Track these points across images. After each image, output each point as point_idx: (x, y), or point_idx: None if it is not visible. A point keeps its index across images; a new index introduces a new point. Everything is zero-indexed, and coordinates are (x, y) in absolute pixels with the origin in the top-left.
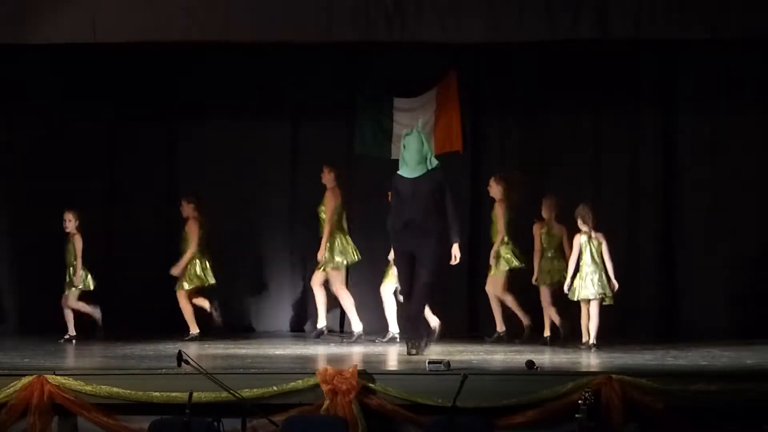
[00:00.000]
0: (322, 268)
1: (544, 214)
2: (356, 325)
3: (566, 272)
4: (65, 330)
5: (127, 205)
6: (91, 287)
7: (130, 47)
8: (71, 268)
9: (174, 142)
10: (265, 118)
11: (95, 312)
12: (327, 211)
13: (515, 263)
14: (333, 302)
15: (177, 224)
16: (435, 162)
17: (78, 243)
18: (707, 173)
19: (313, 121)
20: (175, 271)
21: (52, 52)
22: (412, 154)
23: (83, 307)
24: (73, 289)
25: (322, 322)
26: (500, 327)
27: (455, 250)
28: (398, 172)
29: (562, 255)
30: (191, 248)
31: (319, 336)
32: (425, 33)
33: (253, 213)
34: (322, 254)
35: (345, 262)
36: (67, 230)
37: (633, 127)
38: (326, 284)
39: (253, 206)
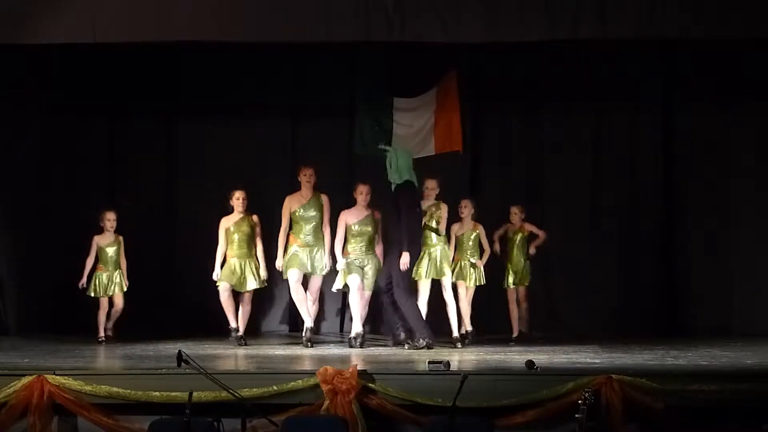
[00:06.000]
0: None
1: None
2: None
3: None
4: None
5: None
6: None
7: (130, 47)
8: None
9: (174, 142)
10: (265, 118)
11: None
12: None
13: None
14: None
15: (177, 224)
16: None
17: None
18: (707, 173)
19: (313, 121)
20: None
21: (52, 52)
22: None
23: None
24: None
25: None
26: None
27: (405, 258)
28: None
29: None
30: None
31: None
32: (425, 33)
33: (253, 213)
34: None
35: None
36: (114, 230)
37: (633, 127)
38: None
39: (253, 206)
